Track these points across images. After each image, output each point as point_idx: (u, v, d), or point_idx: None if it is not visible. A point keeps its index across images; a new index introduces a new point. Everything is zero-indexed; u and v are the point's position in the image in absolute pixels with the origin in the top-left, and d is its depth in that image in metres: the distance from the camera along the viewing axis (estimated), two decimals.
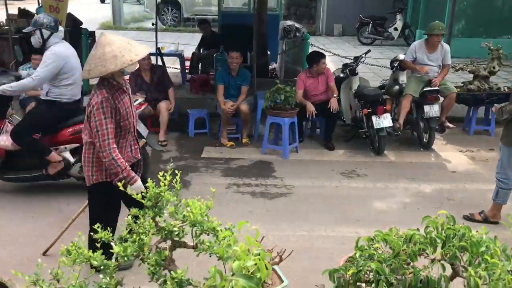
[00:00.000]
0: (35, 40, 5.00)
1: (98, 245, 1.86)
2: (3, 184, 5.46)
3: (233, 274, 1.37)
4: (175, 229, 1.90)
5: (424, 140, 6.96)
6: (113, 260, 1.95)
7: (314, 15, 20.42)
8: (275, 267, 2.44)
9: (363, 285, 2.31)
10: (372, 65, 10.01)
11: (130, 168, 3.33)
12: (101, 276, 1.91)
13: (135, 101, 5.40)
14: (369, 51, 7.86)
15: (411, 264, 2.22)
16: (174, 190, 2.02)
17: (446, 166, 6.41)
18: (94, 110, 3.22)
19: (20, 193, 5.28)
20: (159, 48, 9.53)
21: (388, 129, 6.61)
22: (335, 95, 6.80)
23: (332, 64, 9.90)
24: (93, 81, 9.34)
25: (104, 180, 3.43)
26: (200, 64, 10.38)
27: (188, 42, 13.22)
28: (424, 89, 6.77)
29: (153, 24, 11.04)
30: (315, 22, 19.91)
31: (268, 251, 2.23)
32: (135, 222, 1.97)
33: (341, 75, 7.62)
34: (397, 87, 7.31)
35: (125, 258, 1.83)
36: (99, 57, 3.13)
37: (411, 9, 17.17)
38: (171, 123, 7.30)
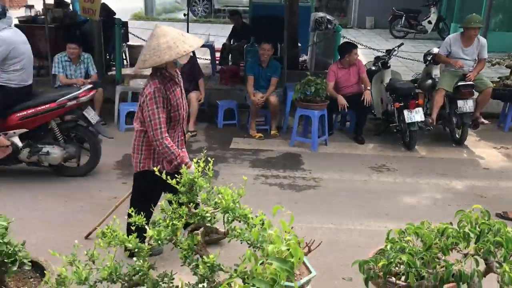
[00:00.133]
0: None
1: (133, 228, 1.91)
2: (36, 170, 5.62)
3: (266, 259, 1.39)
4: (208, 215, 1.93)
5: (457, 135, 6.82)
6: (146, 244, 2.00)
7: (345, 7, 20.19)
8: (303, 257, 2.45)
9: (393, 278, 2.30)
10: (404, 58, 9.85)
11: (183, 158, 3.40)
12: (134, 258, 1.95)
13: (82, 87, 5.52)
14: (402, 44, 7.74)
15: (443, 258, 2.19)
16: (207, 177, 2.05)
17: (478, 163, 6.28)
18: (147, 100, 3.31)
19: (52, 179, 5.41)
20: None
21: (420, 123, 6.50)
22: (368, 88, 6.73)
23: (363, 57, 9.76)
24: (126, 71, 9.51)
25: (151, 169, 3.51)
26: (230, 55, 10.41)
27: (219, 33, 13.27)
28: (458, 84, 6.62)
29: (184, 15, 11.13)
30: (347, 15, 19.69)
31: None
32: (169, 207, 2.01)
33: (373, 68, 7.52)
34: (430, 81, 7.18)
35: (159, 242, 1.87)
36: (154, 47, 3.21)
37: (446, 2, 16.76)
38: (201, 113, 7.35)
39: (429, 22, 15.87)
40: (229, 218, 1.94)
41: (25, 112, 5.14)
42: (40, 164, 5.30)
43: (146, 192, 3.62)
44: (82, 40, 7.75)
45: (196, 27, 15.16)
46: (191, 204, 1.97)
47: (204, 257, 1.84)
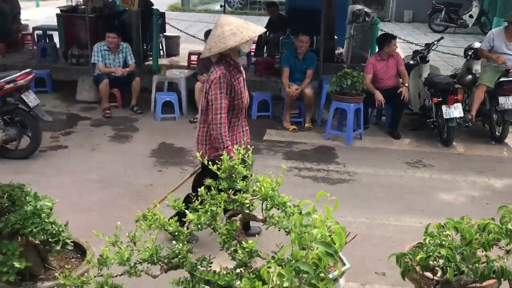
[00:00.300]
0: None
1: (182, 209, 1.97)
2: (74, 155, 5.80)
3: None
4: (247, 201, 1.96)
5: (497, 133, 6.64)
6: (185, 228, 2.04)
7: (383, 0, 19.83)
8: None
9: (429, 273, 2.27)
10: (443, 53, 9.63)
11: (231, 148, 3.46)
12: (174, 242, 2.00)
13: (23, 71, 5.54)
14: (442, 38, 7.57)
15: (483, 253, 2.15)
16: (246, 165, 2.07)
17: None
18: (212, 84, 3.41)
19: (90, 165, 5.56)
20: None
21: (459, 119, 6.35)
22: (406, 84, 6.63)
23: (401, 51, 9.57)
24: (162, 61, 9.64)
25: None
26: (265, 47, 10.40)
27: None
28: (501, 80, 6.43)
29: (221, 6, 11.17)
30: (384, 8, 19.35)
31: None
32: (207, 193, 2.04)
33: (411, 62, 7.39)
34: (470, 76, 7.00)
35: (198, 226, 1.91)
36: (218, 35, 3.32)
37: None
38: None
39: (471, 16, 15.43)
40: (268, 205, 1.96)
41: None
42: None
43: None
44: (120, 30, 7.90)
45: None
46: (230, 190, 2.00)
47: (243, 242, 1.87)
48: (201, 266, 1.92)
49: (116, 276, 1.98)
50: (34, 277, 2.52)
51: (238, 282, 1.79)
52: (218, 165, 1.98)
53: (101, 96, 7.34)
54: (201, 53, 7.96)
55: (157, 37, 9.27)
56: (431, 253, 2.04)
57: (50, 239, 2.43)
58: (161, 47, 10.80)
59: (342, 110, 6.60)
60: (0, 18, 9.78)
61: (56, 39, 10.82)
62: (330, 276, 1.38)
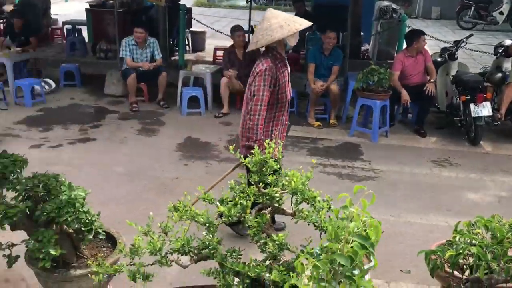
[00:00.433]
0: None
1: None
2: (103, 147, 5.91)
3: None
4: (277, 195, 1.98)
5: None
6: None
7: None
8: None
9: (456, 272, 2.26)
10: (472, 50, 9.46)
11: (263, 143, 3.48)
12: (204, 233, 2.04)
13: None
14: (471, 35, 7.44)
15: None
16: (277, 159, 2.09)
17: None
18: (257, 76, 3.44)
19: (118, 157, 5.66)
20: (251, 26, 9.66)
21: (487, 118, 6.24)
22: (432, 80, 6.55)
23: (428, 48, 9.46)
24: (188, 57, 9.70)
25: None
26: None
27: None
28: None
29: (247, 1, 11.18)
30: (411, 4, 19.07)
31: None
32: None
33: (439, 59, 7.28)
34: (500, 74, 6.86)
35: (229, 218, 1.94)
36: (265, 28, 3.34)
37: None
38: None
39: (501, 13, 15.09)
40: (298, 199, 1.99)
41: None
42: None
43: None
44: (148, 25, 8.00)
45: (257, 14, 15.15)
46: (260, 184, 2.03)
47: (272, 235, 1.89)
48: (231, 258, 1.95)
49: (147, 265, 2.03)
50: (67, 265, 2.59)
51: (268, 274, 1.82)
52: (250, 158, 2.00)
53: (128, 90, 7.45)
54: (225, 48, 8.06)
55: (184, 32, 9.35)
56: (461, 251, 2.03)
57: (83, 228, 2.50)
58: (187, 42, 10.89)
59: (368, 107, 6.56)
60: (31, 13, 10.01)
61: (85, 33, 11.02)
62: (366, 267, 1.39)
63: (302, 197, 1.98)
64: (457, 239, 2.16)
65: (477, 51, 9.86)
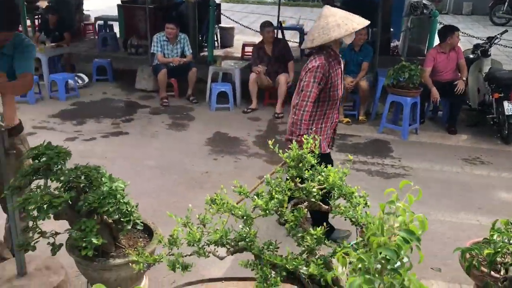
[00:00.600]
0: None
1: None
2: (135, 141, 6.02)
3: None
4: (314, 190, 2.01)
5: None
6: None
7: None
8: None
9: (492, 272, 2.24)
10: (505, 47, 9.26)
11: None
12: (240, 226, 2.08)
13: None
14: (505, 31, 7.29)
15: None
16: (314, 154, 2.12)
17: None
18: (308, 72, 3.42)
19: (149, 151, 5.77)
20: (280, 21, 9.67)
21: None
22: (464, 78, 6.45)
23: (459, 44, 9.33)
24: (217, 52, 9.77)
25: (324, 151, 3.60)
26: None
27: (308, 17, 13.21)
28: None
29: None
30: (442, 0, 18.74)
31: None
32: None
33: (471, 56, 7.17)
34: None
35: (266, 212, 1.98)
36: (322, 26, 3.30)
37: None
38: (289, 96, 7.43)
39: None
40: (335, 195, 2.01)
41: None
42: None
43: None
44: (179, 21, 8.10)
45: (285, 10, 15.18)
46: (297, 178, 2.06)
47: (310, 229, 1.92)
48: (268, 250, 1.99)
49: (186, 256, 2.08)
50: (106, 254, 2.68)
51: (305, 268, 1.85)
52: (287, 153, 2.04)
53: (159, 85, 7.57)
54: (254, 44, 8.09)
55: (213, 28, 9.42)
56: (499, 249, 2.02)
57: (122, 219, 2.58)
58: (216, 38, 10.96)
59: (397, 104, 6.51)
60: (64, 9, 10.25)
61: (116, 29, 11.21)
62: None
63: (339, 193, 2.01)
64: (495, 237, 2.16)
65: (511, 47, 9.65)
